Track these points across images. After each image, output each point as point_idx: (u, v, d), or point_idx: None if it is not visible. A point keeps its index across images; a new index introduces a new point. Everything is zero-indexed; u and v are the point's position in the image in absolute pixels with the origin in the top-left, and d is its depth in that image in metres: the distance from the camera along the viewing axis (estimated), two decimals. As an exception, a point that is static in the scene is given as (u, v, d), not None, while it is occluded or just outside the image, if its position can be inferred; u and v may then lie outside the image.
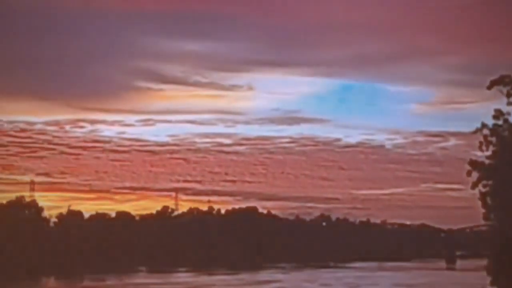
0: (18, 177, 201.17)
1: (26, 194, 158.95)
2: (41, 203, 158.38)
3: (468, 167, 66.75)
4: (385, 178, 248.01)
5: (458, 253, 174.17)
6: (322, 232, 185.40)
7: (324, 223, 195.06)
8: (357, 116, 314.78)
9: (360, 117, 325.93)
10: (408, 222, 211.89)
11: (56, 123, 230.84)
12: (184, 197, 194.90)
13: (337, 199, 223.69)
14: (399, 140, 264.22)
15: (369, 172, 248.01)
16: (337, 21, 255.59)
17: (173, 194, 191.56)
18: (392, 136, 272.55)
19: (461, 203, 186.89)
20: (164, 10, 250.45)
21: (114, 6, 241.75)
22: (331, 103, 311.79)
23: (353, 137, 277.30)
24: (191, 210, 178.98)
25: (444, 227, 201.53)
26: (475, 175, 66.41)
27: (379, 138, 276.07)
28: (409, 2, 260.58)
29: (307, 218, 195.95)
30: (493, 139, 65.46)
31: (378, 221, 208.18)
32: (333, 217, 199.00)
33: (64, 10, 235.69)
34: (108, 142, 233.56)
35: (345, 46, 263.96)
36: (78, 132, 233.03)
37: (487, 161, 65.65)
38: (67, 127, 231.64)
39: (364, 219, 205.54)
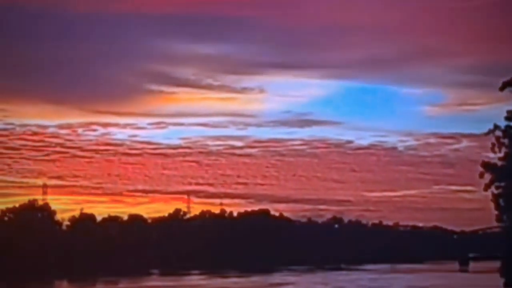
0: (31, 181, 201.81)
1: (39, 197, 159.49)
2: (53, 206, 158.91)
3: (480, 169, 66.58)
4: (397, 180, 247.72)
5: (471, 255, 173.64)
6: (334, 235, 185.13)
7: (336, 225, 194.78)
8: (369, 118, 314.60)
9: (372, 119, 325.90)
10: (420, 224, 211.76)
11: (69, 126, 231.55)
12: (196, 200, 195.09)
13: (349, 201, 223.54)
14: (411, 142, 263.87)
15: (381, 174, 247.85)
16: (348, 23, 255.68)
17: (185, 196, 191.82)
18: (404, 138, 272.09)
19: (473, 205, 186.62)
20: (176, 14, 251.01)
21: (127, 9, 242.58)
22: (343, 106, 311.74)
23: (365, 139, 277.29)
24: (203, 213, 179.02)
25: (457, 229, 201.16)
26: (487, 176, 66.21)
27: (391, 140, 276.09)
28: (420, 4, 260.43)
29: (319, 220, 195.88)
30: (506, 140, 65.26)
31: (390, 223, 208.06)
32: (345, 219, 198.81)
33: (77, 13, 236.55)
34: (121, 145, 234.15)
35: (357, 48, 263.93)
36: (90, 135, 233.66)
37: (499, 163, 65.44)
38: (80, 130, 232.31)
39: (377, 221, 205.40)
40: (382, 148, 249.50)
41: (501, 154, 65.05)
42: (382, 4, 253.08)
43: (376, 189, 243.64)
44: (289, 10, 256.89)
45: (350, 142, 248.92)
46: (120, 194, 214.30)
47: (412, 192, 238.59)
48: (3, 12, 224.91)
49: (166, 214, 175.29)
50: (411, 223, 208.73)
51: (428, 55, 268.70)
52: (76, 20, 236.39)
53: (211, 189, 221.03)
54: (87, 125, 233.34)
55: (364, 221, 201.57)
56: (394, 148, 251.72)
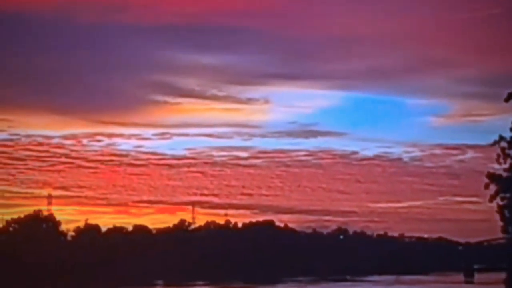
0: (36, 191, 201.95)
1: (44, 208, 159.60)
2: (58, 217, 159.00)
3: (486, 180, 66.52)
4: (403, 191, 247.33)
5: (476, 266, 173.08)
6: (339, 246, 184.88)
7: (341, 236, 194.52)
8: (374, 129, 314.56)
9: (377, 130, 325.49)
10: (425, 235, 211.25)
11: (74, 137, 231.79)
12: (201, 211, 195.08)
13: (354, 212, 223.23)
14: (417, 153, 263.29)
15: (386, 185, 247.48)
16: (353, 34, 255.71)
17: (190, 207, 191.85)
18: (410, 149, 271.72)
19: (479, 216, 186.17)
20: (181, 24, 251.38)
21: (132, 20, 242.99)
22: (348, 116, 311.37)
23: (370, 150, 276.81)
24: (208, 224, 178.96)
25: (462, 240, 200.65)
26: (493, 187, 66.16)
27: (397, 151, 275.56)
28: (425, 15, 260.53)
29: (324, 231, 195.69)
30: (511, 151, 65.19)
31: (395, 234, 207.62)
32: (350, 230, 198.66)
33: (81, 24, 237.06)
34: (125, 155, 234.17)
35: (362, 59, 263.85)
36: (95, 145, 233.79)
37: (504, 174, 65.36)
38: (85, 141, 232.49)
39: (382, 232, 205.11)
40: (387, 159, 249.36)
41: (506, 165, 65.03)
42: (386, 14, 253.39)
43: (381, 200, 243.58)
44: (294, 20, 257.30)
45: (355, 153, 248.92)
46: (125, 204, 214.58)
47: (417, 203, 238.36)
48: (8, 23, 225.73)
49: (171, 225, 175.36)
50: (416, 234, 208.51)
51: (433, 66, 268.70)
52: (81, 31, 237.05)
53: (216, 200, 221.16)
54: (92, 135, 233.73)
55: (369, 232, 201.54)
56: (399, 159, 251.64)
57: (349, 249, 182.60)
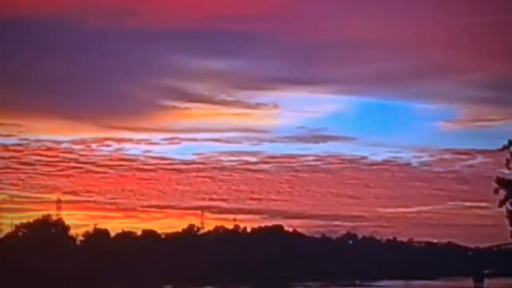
0: (45, 196, 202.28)
1: (53, 213, 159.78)
2: (67, 221, 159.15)
3: (495, 185, 66.41)
4: (412, 196, 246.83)
5: (485, 271, 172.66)
6: (348, 250, 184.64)
7: (350, 241, 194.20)
8: (383, 134, 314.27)
9: (386, 135, 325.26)
10: (435, 240, 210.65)
11: (83, 141, 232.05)
12: (210, 215, 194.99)
13: (363, 217, 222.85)
14: (426, 158, 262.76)
15: (396, 190, 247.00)
16: (363, 38, 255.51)
17: (199, 212, 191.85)
18: (419, 154, 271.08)
19: (488, 221, 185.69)
20: (190, 29, 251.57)
21: (141, 25, 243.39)
22: (357, 121, 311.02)
23: (379, 155, 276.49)
24: (216, 228, 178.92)
25: (471, 245, 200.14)
26: (502, 192, 66.08)
27: (406, 156, 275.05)
28: (434, 20, 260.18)
29: (333, 236, 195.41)
30: (520, 156, 65.14)
31: (404, 239, 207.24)
32: (359, 235, 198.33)
33: (91, 29, 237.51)
34: (134, 160, 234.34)
35: (371, 64, 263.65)
36: (104, 150, 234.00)
37: (514, 179, 65.33)
38: (94, 146, 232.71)
39: (391, 237, 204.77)
40: (396, 164, 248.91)
41: (515, 170, 64.93)
42: (396, 19, 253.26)
43: (390, 205, 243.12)
44: (302, 25, 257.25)
45: (364, 158, 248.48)
46: (134, 209, 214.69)
47: (427, 208, 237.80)
48: (19, 28, 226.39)
49: (180, 230, 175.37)
50: (425, 239, 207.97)
51: (442, 71, 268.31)
52: (91, 35, 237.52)
53: (224, 205, 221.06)
54: (101, 140, 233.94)
55: (378, 237, 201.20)
56: (408, 164, 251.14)
57: (358, 254, 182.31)
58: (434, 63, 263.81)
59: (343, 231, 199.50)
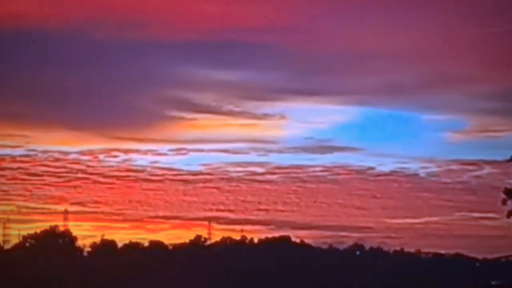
0: (52, 207, 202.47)
1: (60, 224, 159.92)
2: (74, 232, 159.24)
3: (503, 196, 66.08)
4: (419, 206, 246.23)
5: (493, 282, 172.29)
6: (355, 261, 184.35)
7: (357, 252, 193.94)
8: (390, 144, 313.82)
9: (393, 146, 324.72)
10: (442, 251, 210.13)
11: (90, 152, 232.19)
12: (217, 226, 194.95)
13: (370, 228, 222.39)
14: (433, 169, 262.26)
15: (403, 201, 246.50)
16: (369, 49, 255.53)
17: (206, 223, 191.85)
18: (426, 165, 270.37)
19: (496, 232, 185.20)
20: (197, 40, 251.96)
21: (148, 36, 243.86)
22: (364, 132, 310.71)
23: (386, 166, 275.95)
24: (224, 239, 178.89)
25: (479, 256, 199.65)
26: (510, 203, 65.75)
27: (413, 166, 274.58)
28: (442, 30, 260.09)
29: (341, 247, 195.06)
30: (528, 167, 64.98)
31: (412, 250, 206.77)
32: (367, 246, 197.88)
33: (97, 39, 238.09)
34: (142, 171, 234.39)
35: (378, 75, 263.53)
36: (111, 161, 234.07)
37: (522, 190, 65.10)
38: (101, 157, 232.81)
39: (398, 248, 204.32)
40: (404, 174, 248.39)
41: (523, 181, 64.69)
42: (403, 30, 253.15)
43: (398, 216, 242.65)
44: (310, 36, 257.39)
45: (371, 168, 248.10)
46: (141, 220, 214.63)
47: (434, 219, 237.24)
48: (27, 39, 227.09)
49: (187, 241, 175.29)
50: (433, 250, 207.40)
51: (449, 81, 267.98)
52: (98, 46, 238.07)
53: (232, 216, 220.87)
54: (108, 151, 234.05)
55: (385, 248, 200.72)
56: (416, 175, 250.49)
57: (365, 265, 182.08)
58: (442, 73, 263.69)
59: (350, 242, 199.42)
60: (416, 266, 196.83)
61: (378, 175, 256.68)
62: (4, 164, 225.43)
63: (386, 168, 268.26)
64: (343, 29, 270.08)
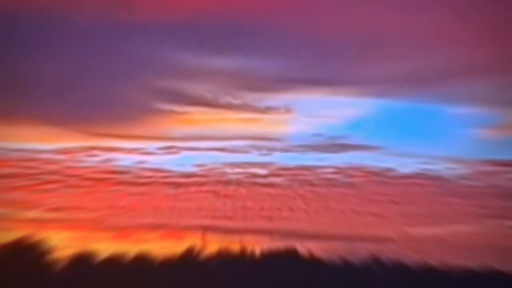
0: (24, 213, 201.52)
1: (33, 233, 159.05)
2: (49, 243, 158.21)
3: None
4: (445, 213, 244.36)
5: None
6: (372, 276, 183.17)
7: (374, 266, 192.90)
8: (412, 142, 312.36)
9: (415, 144, 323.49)
10: (472, 265, 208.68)
11: (67, 151, 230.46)
12: (213, 236, 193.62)
13: (389, 237, 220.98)
14: (461, 170, 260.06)
15: (426, 207, 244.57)
16: (387, 34, 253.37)
17: (200, 232, 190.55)
18: (453, 165, 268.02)
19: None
20: (190, 23, 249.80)
21: (134, 18, 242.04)
22: (382, 128, 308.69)
23: (408, 167, 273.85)
24: (220, 251, 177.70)
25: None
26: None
27: (438, 167, 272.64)
28: (469, 14, 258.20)
29: (355, 259, 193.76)
30: None
31: (436, 263, 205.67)
32: (385, 259, 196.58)
33: (78, 23, 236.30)
34: (126, 172, 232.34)
35: (397, 63, 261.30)
36: (91, 161, 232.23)
37: None
38: (79, 156, 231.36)
39: (421, 260, 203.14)
40: (427, 176, 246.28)
41: None
42: (425, 13, 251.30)
43: (420, 224, 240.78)
44: (319, 20, 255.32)
45: (390, 170, 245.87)
46: (125, 229, 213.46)
47: (462, 227, 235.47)
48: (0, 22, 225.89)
49: (178, 252, 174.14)
50: (461, 263, 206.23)
51: (479, 71, 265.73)
52: (78, 30, 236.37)
53: (230, 224, 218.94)
54: (87, 149, 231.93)
55: (406, 260, 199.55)
56: (441, 177, 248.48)
57: (383, 279, 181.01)
58: (470, 61, 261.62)
59: (366, 254, 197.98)
60: (441, 281, 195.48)
61: (398, 177, 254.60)
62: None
63: (407, 170, 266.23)
64: (356, 11, 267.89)
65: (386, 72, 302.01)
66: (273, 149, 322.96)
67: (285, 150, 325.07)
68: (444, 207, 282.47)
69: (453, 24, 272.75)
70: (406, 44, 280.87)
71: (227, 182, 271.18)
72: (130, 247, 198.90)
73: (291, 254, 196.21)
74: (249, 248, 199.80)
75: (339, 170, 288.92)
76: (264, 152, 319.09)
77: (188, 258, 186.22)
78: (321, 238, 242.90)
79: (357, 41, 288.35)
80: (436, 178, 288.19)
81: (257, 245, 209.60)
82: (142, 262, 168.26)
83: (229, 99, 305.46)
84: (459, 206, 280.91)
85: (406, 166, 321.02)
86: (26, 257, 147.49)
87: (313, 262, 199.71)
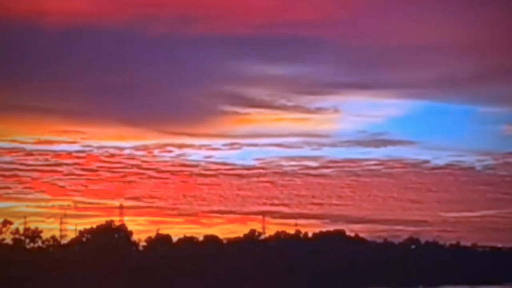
0: (108, 202, 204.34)
1: (116, 218, 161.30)
2: (130, 227, 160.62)
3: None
4: (476, 200, 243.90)
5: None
6: (411, 255, 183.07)
7: (413, 246, 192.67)
8: (446, 137, 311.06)
9: (448, 139, 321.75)
10: (499, 245, 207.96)
11: (145, 147, 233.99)
12: (271, 220, 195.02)
13: (426, 221, 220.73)
14: (490, 162, 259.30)
15: (459, 194, 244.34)
16: (424, 41, 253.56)
17: (260, 217, 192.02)
18: (482, 158, 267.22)
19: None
20: (250, 35, 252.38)
21: (201, 31, 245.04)
22: (419, 125, 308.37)
23: (442, 159, 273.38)
24: (278, 233, 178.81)
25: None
26: None
27: (469, 159, 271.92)
28: (498, 21, 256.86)
29: (396, 241, 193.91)
30: None
31: (468, 244, 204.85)
32: (422, 240, 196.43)
33: (151, 36, 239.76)
34: (196, 166, 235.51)
35: (433, 67, 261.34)
36: (166, 156, 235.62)
37: None
38: (156, 152, 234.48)
39: (454, 242, 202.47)
40: (459, 167, 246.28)
41: None
42: (458, 21, 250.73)
43: (454, 209, 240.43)
44: (363, 28, 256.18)
45: (426, 162, 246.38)
46: (196, 215, 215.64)
47: (491, 212, 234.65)
48: (79, 36, 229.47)
49: (242, 235, 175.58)
50: (489, 244, 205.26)
51: (506, 73, 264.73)
52: (152, 42, 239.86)
53: (286, 210, 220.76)
54: (162, 146, 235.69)
55: (441, 242, 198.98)
56: (472, 168, 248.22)
57: (421, 259, 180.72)
58: (498, 65, 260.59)
59: (405, 236, 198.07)
60: (472, 260, 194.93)
61: (434, 168, 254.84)
62: (61, 160, 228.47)
63: (441, 162, 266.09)
64: (396, 22, 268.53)
65: (422, 76, 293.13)
66: (323, 145, 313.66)
67: (333, 145, 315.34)
68: (475, 194, 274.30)
69: (483, 32, 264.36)
70: (441, 51, 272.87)
71: (283, 174, 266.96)
72: (200, 230, 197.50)
73: (340, 236, 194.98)
74: (303, 230, 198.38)
75: (381, 162, 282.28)
76: (315, 147, 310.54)
77: (250, 239, 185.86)
78: (365, 222, 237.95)
79: (397, 50, 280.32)
80: (467, 169, 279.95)
81: (310, 228, 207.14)
82: (210, 243, 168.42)
83: (284, 102, 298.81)
84: (488, 193, 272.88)
85: (440, 158, 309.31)
86: (111, 239, 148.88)
87: (358, 242, 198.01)
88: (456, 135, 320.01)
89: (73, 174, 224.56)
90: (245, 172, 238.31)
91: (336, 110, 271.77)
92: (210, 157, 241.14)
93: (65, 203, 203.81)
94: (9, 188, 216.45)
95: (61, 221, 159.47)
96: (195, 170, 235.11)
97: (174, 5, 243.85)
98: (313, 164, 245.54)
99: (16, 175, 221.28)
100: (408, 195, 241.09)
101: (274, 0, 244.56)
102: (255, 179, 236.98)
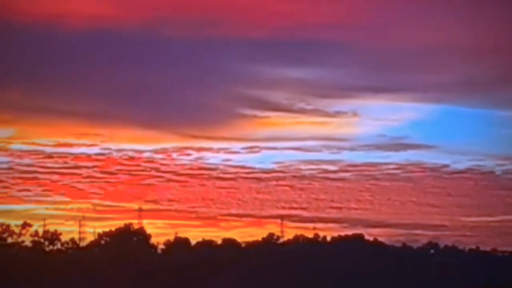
0: (127, 204, 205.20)
1: (135, 221, 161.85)
2: (149, 230, 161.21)
3: None
4: (495, 204, 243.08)
5: None
6: (430, 260, 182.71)
7: (432, 251, 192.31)
8: (465, 142, 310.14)
9: (468, 143, 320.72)
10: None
11: (164, 151, 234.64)
12: (290, 224, 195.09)
13: (445, 226, 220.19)
14: (510, 166, 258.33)
15: (478, 199, 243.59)
16: (444, 45, 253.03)
17: (279, 221, 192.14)
18: (502, 162, 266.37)
19: None
20: (269, 38, 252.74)
21: (220, 34, 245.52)
22: (438, 129, 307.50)
23: (461, 163, 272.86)
24: (296, 237, 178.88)
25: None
26: None
27: (489, 164, 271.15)
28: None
29: (414, 245, 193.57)
30: None
31: (488, 248, 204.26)
32: (441, 245, 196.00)
33: (171, 38, 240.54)
34: (214, 169, 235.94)
35: (452, 71, 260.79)
36: (184, 159, 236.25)
37: None
38: (174, 155, 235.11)
39: (474, 246, 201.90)
40: (479, 172, 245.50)
41: None
42: (477, 25, 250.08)
43: (473, 214, 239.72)
44: (382, 32, 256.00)
45: (446, 166, 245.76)
46: (214, 218, 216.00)
47: (511, 217, 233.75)
48: (98, 39, 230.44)
49: (260, 238, 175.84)
50: (509, 248, 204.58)
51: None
52: (170, 45, 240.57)
53: (304, 213, 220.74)
54: (181, 149, 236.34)
55: (460, 247, 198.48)
56: (492, 172, 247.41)
57: (440, 263, 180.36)
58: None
59: (424, 240, 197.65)
60: (492, 265, 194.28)
61: (453, 172, 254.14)
62: (80, 163, 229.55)
63: (461, 166, 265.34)
64: (415, 25, 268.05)
65: (441, 79, 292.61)
66: (342, 148, 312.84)
67: (352, 149, 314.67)
68: (494, 199, 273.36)
69: (502, 36, 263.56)
70: (459, 55, 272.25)
71: (302, 177, 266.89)
72: (218, 234, 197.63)
73: (358, 240, 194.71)
74: (321, 234, 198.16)
75: (400, 166, 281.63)
76: (334, 150, 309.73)
77: (269, 243, 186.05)
78: (384, 226, 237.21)
79: (415, 53, 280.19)
80: (487, 173, 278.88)
81: (329, 232, 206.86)
82: (229, 246, 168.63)
83: (303, 105, 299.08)
84: (508, 198, 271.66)
85: (460, 162, 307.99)
86: (130, 242, 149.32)
87: (377, 247, 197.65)
88: (475, 139, 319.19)
89: (92, 177, 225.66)
90: (263, 175, 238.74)
91: (355, 114, 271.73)
92: (228, 160, 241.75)
93: (84, 205, 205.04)
94: (29, 190, 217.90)
95: (80, 223, 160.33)
96: (214, 173, 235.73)
97: (193, 7, 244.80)
98: (332, 168, 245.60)
99: (35, 178, 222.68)
100: (427, 199, 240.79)
101: (293, 3, 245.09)
102: (273, 182, 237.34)
